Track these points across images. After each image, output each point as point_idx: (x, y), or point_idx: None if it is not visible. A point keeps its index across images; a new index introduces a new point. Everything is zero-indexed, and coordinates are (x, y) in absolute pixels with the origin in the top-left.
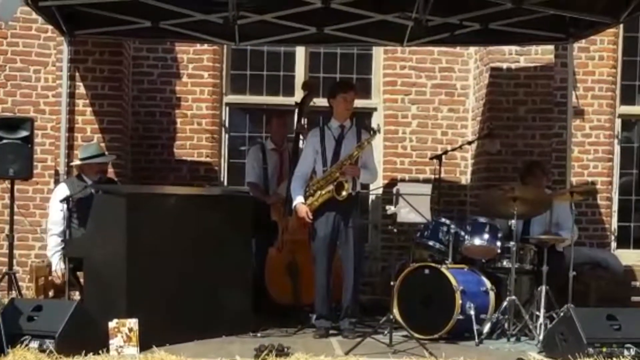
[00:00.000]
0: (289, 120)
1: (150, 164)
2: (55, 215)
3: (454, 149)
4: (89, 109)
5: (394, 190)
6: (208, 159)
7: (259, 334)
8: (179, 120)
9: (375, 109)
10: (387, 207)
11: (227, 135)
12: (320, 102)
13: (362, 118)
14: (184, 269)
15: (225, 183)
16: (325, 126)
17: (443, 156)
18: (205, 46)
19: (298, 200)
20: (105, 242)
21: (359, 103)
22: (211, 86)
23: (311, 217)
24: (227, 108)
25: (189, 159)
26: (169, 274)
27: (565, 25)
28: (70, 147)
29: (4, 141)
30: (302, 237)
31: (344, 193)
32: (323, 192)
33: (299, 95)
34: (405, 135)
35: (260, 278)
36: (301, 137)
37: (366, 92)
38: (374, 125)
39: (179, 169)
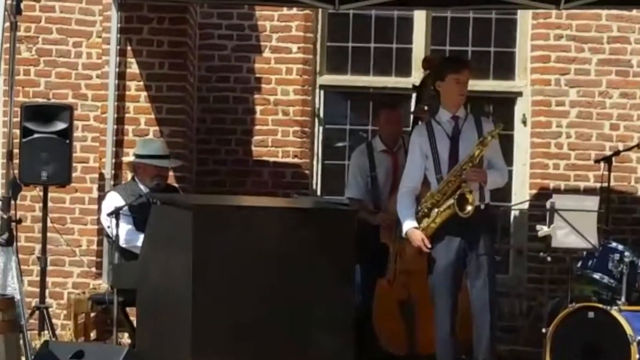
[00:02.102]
0: (403, 111)
1: (220, 165)
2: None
3: (627, 149)
4: (143, 94)
5: (547, 204)
6: (296, 160)
7: None
8: (258, 108)
9: (519, 94)
10: (537, 226)
11: (321, 128)
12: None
13: (502, 106)
14: (264, 303)
15: (319, 192)
16: (433, 120)
17: (613, 158)
18: (295, 10)
19: (409, 224)
20: (164, 269)
21: (498, 87)
22: (301, 63)
23: (429, 245)
24: (322, 92)
25: (271, 159)
26: (246, 309)
27: None
28: (118, 144)
29: (35, 136)
30: (420, 267)
31: (469, 208)
32: (441, 209)
33: (417, 75)
34: (561, 129)
35: (366, 318)
36: None
37: (507, 72)
38: (518, 115)
39: (258, 173)
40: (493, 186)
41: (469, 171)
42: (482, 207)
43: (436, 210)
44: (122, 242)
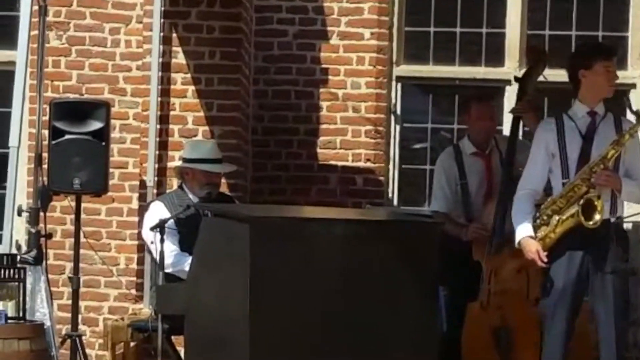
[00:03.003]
0: (496, 107)
1: (280, 171)
2: (155, 249)
3: None
4: (190, 88)
5: None
6: (369, 164)
7: None
8: (325, 104)
9: (633, 86)
10: None
11: (398, 128)
12: (552, 75)
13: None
14: (331, 329)
15: (395, 201)
16: (565, 115)
17: None
18: None
19: (524, 231)
20: (217, 291)
21: None
22: (375, 51)
23: (545, 258)
24: (399, 85)
25: (339, 164)
26: (310, 336)
27: None
28: (162, 146)
29: (66, 137)
30: (519, 287)
31: (596, 217)
32: (564, 217)
33: (511, 65)
34: None
35: (453, 348)
36: (523, 128)
37: (618, 60)
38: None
39: (324, 180)
40: (629, 198)
41: (599, 174)
42: (613, 219)
43: (557, 218)
44: (166, 267)
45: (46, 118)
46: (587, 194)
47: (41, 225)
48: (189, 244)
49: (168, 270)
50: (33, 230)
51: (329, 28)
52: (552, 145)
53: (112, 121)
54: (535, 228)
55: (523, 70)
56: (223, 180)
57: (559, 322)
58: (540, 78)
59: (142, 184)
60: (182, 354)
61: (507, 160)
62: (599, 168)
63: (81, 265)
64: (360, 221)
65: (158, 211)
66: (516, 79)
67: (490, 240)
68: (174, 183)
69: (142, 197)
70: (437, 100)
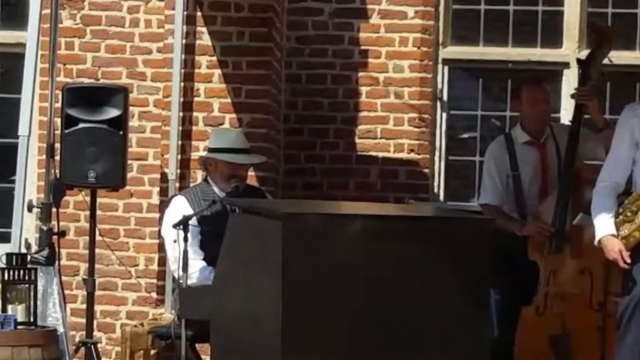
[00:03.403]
0: (553, 92)
1: (315, 162)
2: (172, 249)
3: None
4: (216, 72)
5: None
6: (413, 155)
7: None
8: (364, 89)
9: None
10: None
11: (444, 115)
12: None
13: None
14: (371, 335)
15: (441, 196)
16: None
17: None
18: None
19: (605, 229)
20: (246, 294)
21: None
22: (419, 31)
23: (628, 259)
24: (446, 68)
25: (380, 154)
26: (348, 343)
27: None
28: (185, 135)
29: (80, 126)
30: (581, 290)
31: None
32: None
33: (569, 45)
34: None
35: (505, 356)
36: (586, 115)
37: None
38: None
39: (363, 173)
40: None
41: None
42: None
43: None
44: (194, 280)
45: (58, 105)
46: None
47: (53, 222)
48: (213, 243)
49: (195, 283)
50: (44, 228)
51: (368, 6)
52: (637, 133)
53: (131, 108)
54: (617, 225)
55: (585, 53)
56: (252, 174)
57: (637, 329)
58: (605, 61)
59: (164, 177)
60: None
61: (569, 151)
62: None
63: (96, 266)
64: (403, 218)
65: (180, 207)
66: (579, 62)
67: (549, 238)
68: (198, 176)
69: (163, 192)
70: (488, 85)
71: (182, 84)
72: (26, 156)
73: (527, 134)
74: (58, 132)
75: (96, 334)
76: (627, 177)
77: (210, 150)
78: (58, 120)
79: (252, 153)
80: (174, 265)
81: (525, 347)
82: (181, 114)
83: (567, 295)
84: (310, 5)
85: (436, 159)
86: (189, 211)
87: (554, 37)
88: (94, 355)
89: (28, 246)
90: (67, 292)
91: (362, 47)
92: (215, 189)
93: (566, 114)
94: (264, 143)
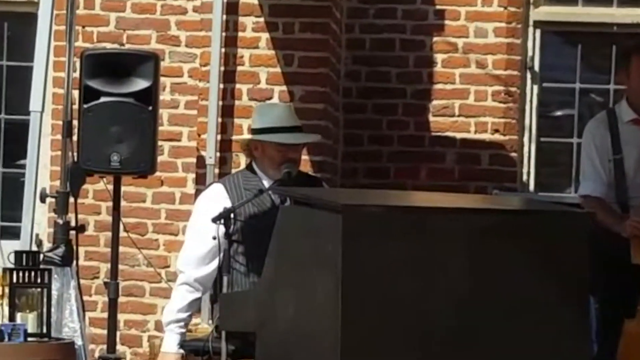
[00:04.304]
0: None
1: (381, 145)
2: (194, 245)
3: None
4: (264, 36)
5: None
6: (498, 137)
7: None
8: (439, 57)
9: None
10: None
11: (535, 88)
12: None
13: None
14: (445, 344)
15: (532, 186)
16: None
17: None
18: None
19: None
20: (299, 299)
21: None
22: None
23: None
24: (538, 32)
25: (458, 136)
26: (418, 353)
27: None
28: (226, 112)
29: (102, 100)
30: None
31: None
32: None
33: None
34: None
35: None
36: None
37: None
38: None
39: (437, 157)
40: None
41: None
42: None
43: None
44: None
45: (77, 75)
46: None
47: (70, 214)
48: (258, 241)
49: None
50: (60, 222)
51: None
52: None
53: (162, 79)
54: None
55: None
56: (305, 158)
57: None
58: None
59: (200, 162)
60: None
61: None
62: None
63: (120, 267)
64: (486, 211)
65: (218, 196)
66: None
67: None
68: (242, 160)
69: (200, 179)
70: (588, 52)
71: (223, 50)
72: (39, 136)
73: (633, 111)
74: (76, 107)
75: (119, 347)
76: None
77: (255, 131)
78: (76, 93)
79: (306, 132)
80: (183, 266)
81: None
82: (221, 85)
83: None
84: None
85: (525, 140)
86: (227, 203)
87: None
88: None
89: (40, 243)
90: (85, 298)
91: (438, 7)
92: (261, 176)
93: None
94: (319, 121)
